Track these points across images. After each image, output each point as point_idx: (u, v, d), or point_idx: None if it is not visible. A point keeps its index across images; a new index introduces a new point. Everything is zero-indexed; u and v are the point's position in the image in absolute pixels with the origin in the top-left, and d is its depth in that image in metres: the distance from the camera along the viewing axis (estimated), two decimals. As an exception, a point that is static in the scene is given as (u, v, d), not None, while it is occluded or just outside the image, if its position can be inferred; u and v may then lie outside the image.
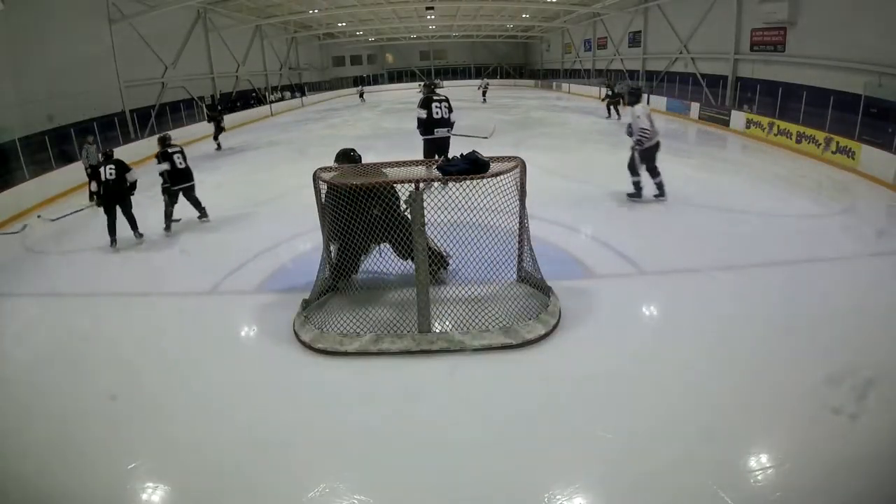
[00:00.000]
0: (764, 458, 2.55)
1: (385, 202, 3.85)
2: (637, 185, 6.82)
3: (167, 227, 6.43)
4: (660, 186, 6.78)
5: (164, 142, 6.61)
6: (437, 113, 7.08)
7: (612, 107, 15.73)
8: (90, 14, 13.33)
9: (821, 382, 3.08)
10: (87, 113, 12.19)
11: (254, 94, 23.74)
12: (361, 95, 28.57)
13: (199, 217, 6.81)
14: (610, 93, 16.10)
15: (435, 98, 7.17)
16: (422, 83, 7.67)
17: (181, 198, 6.55)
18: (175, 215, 6.55)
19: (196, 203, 6.74)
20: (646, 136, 6.48)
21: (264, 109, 22.12)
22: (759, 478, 2.43)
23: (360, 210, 3.75)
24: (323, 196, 3.94)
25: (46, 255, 6.21)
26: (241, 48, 22.87)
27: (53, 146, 9.96)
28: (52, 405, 3.15)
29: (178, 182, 6.45)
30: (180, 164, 6.46)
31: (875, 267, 4.87)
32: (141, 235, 6.20)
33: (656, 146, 6.62)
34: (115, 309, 4.52)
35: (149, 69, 16.06)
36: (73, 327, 4.26)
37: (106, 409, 3.12)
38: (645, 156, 6.63)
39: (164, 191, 6.41)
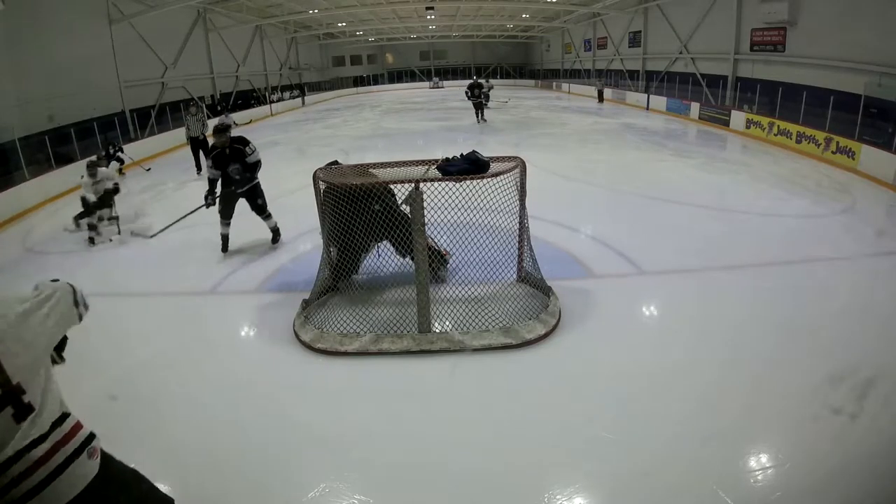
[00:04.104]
0: (764, 458, 2.55)
1: (385, 198, 3.87)
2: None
3: None
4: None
5: None
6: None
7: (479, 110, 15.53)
8: (90, 14, 13.34)
9: (821, 382, 3.08)
10: (87, 113, 12.19)
11: (254, 93, 23.73)
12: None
13: None
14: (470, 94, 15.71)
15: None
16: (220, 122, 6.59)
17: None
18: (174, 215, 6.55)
19: None
20: None
21: (264, 109, 22.13)
22: (759, 478, 2.43)
23: (360, 209, 3.75)
24: (322, 197, 3.95)
25: (46, 255, 6.20)
26: (241, 48, 22.88)
27: (53, 146, 9.95)
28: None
29: None
30: None
31: (875, 267, 4.87)
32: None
33: None
34: (115, 309, 4.51)
35: (149, 69, 16.07)
36: (72, 327, 4.25)
37: (106, 408, 3.12)
38: None
39: None
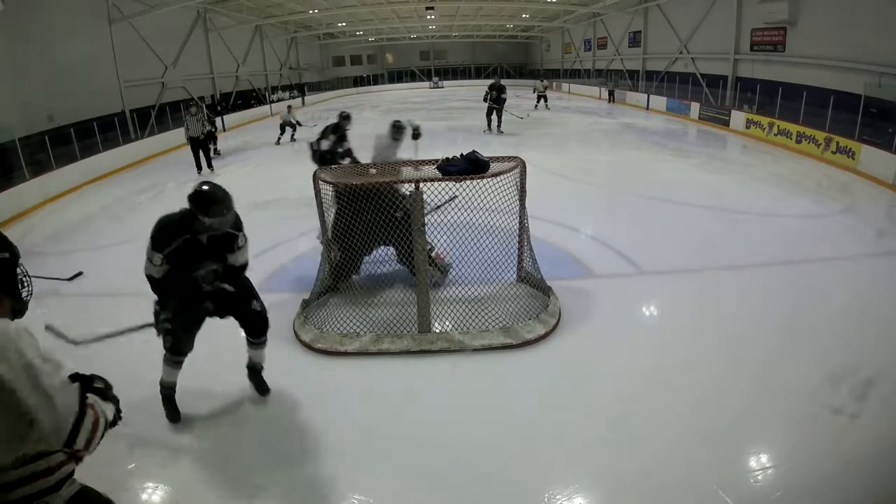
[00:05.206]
0: (764, 458, 2.55)
1: (403, 205, 3.81)
2: None
3: None
4: None
5: None
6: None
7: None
8: (90, 14, 13.32)
9: (821, 382, 3.08)
10: (87, 113, 12.16)
11: (254, 94, 23.70)
12: None
13: None
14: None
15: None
16: None
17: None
18: None
19: None
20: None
21: (264, 109, 22.09)
22: (759, 478, 2.43)
23: (368, 211, 3.74)
24: (330, 197, 3.93)
25: (46, 255, 6.20)
26: (241, 48, 22.85)
27: (53, 146, 9.94)
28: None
29: None
30: None
31: (875, 267, 4.87)
32: None
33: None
34: (114, 309, 4.51)
35: (149, 69, 16.04)
36: (72, 327, 4.25)
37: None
38: None
39: None
